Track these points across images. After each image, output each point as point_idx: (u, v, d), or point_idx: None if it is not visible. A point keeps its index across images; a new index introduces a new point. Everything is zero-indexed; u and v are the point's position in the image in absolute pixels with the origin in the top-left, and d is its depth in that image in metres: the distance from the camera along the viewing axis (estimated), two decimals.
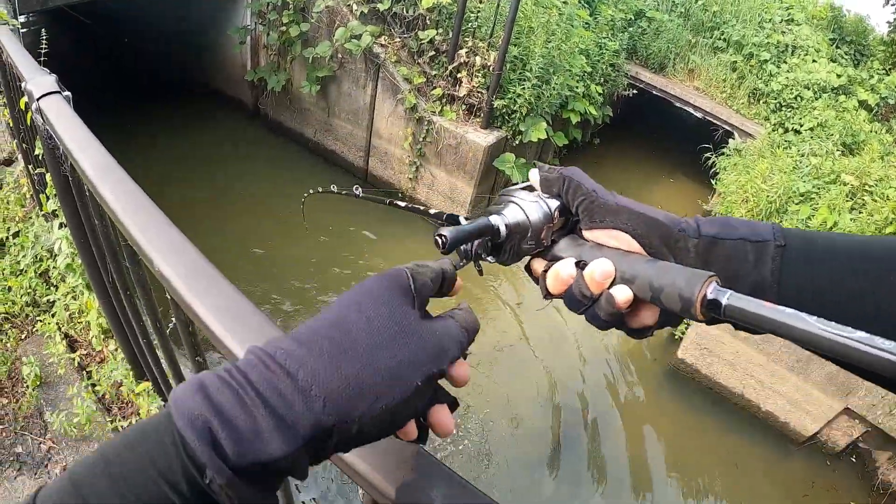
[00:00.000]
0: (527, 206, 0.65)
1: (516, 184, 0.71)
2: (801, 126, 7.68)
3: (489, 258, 0.69)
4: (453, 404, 0.54)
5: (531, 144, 6.84)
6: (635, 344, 6.40)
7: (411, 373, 0.46)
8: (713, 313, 0.50)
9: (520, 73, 6.74)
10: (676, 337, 6.45)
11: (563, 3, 7.22)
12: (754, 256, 0.56)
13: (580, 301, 0.59)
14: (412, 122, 6.89)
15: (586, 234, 0.64)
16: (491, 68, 6.60)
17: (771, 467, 6.09)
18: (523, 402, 5.48)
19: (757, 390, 6.10)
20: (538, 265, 0.67)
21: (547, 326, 6.22)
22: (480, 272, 0.73)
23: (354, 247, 6.70)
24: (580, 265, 0.61)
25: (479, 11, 7.05)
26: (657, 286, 0.54)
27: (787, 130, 7.75)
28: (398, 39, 7.31)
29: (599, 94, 7.49)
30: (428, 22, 7.19)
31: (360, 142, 7.49)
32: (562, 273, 0.61)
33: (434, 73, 7.01)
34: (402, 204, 0.79)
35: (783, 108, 8.02)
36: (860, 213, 6.52)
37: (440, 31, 7.05)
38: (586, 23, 7.99)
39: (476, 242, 0.67)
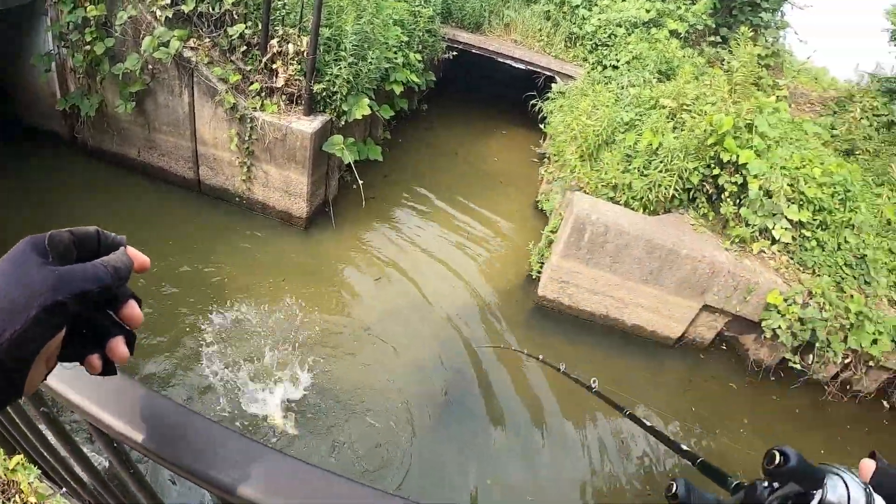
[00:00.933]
0: (852, 486, 0.67)
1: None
2: (619, 61, 8.18)
3: None
4: (129, 336, 0.65)
5: (358, 122, 6.77)
6: (496, 295, 6.53)
7: (26, 303, 0.55)
8: None
9: (335, 54, 6.62)
10: (534, 276, 6.66)
11: None
12: None
13: None
14: (235, 123, 6.58)
15: None
16: (305, 54, 6.44)
17: (650, 374, 6.52)
18: (402, 367, 5.42)
19: (620, 308, 6.47)
20: None
21: (409, 295, 6.18)
22: None
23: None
24: None
25: None
26: None
27: (605, 67, 8.22)
28: (208, 40, 6.92)
29: (420, 62, 7.55)
30: (235, 16, 6.87)
31: (185, 152, 7.04)
32: None
33: (249, 68, 6.71)
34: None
35: (599, 48, 8.49)
36: (682, 130, 7.03)
37: (249, 24, 6.75)
38: None
39: (779, 495, 0.69)
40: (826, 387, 7.57)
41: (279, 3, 6.72)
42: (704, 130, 6.77)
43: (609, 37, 8.51)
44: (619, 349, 6.54)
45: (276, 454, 0.77)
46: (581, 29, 8.66)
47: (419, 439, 4.81)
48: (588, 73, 8.13)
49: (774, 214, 6.95)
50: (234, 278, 5.78)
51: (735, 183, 6.77)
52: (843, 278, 7.25)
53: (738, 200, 6.87)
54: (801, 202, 7.20)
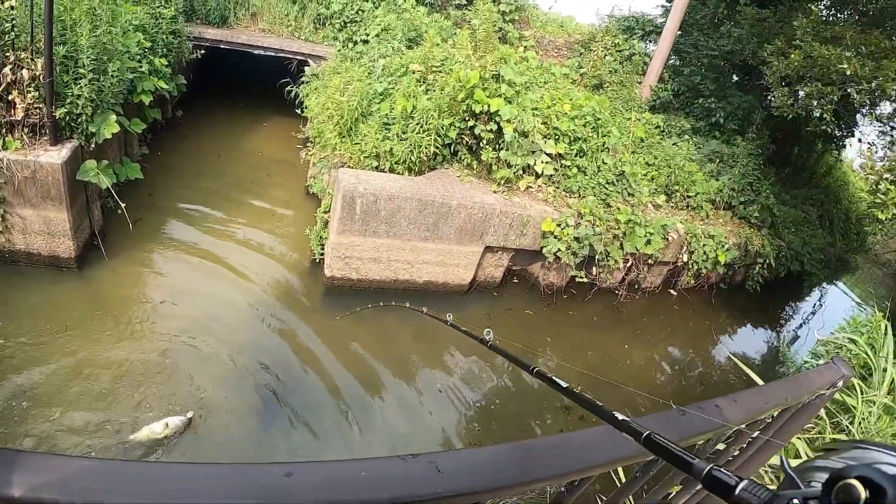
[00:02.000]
0: None
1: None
2: (368, 35, 8.44)
3: None
4: None
5: (110, 142, 6.47)
6: (285, 287, 6.53)
7: None
8: None
9: (74, 72, 6.26)
10: (318, 260, 6.81)
11: None
12: None
13: None
14: None
15: None
16: (42, 77, 6.00)
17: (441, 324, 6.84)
18: (210, 381, 5.23)
19: (408, 269, 6.78)
20: None
21: (198, 309, 6.01)
22: None
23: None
24: None
25: (13, 20, 6.32)
26: None
27: (356, 43, 8.45)
28: None
29: (167, 66, 7.30)
30: None
31: None
32: None
33: None
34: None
35: (348, 25, 8.69)
36: (433, 91, 7.45)
37: None
38: None
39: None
40: (616, 292, 8.51)
41: (7, 25, 6.18)
42: (454, 87, 7.21)
43: (357, 13, 8.73)
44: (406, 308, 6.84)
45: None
46: (328, 9, 8.78)
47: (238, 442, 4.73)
48: (339, 51, 8.32)
49: (534, 152, 7.61)
50: (15, 351, 5.21)
51: (490, 130, 7.29)
52: (608, 195, 8.12)
53: (497, 146, 7.41)
54: (557, 136, 7.95)
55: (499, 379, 6.31)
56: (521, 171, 7.54)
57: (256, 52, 8.72)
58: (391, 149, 6.78)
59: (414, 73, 7.55)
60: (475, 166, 7.43)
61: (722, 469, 0.67)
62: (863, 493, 0.49)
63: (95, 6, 6.46)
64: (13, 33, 6.13)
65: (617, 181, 8.33)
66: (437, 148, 7.06)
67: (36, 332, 5.27)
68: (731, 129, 10.77)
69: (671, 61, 11.57)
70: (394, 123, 6.95)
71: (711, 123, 10.71)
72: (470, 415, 5.76)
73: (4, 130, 6.14)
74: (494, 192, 7.18)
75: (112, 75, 6.37)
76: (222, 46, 8.70)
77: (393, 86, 7.35)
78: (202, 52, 8.24)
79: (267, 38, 8.73)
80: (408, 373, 5.97)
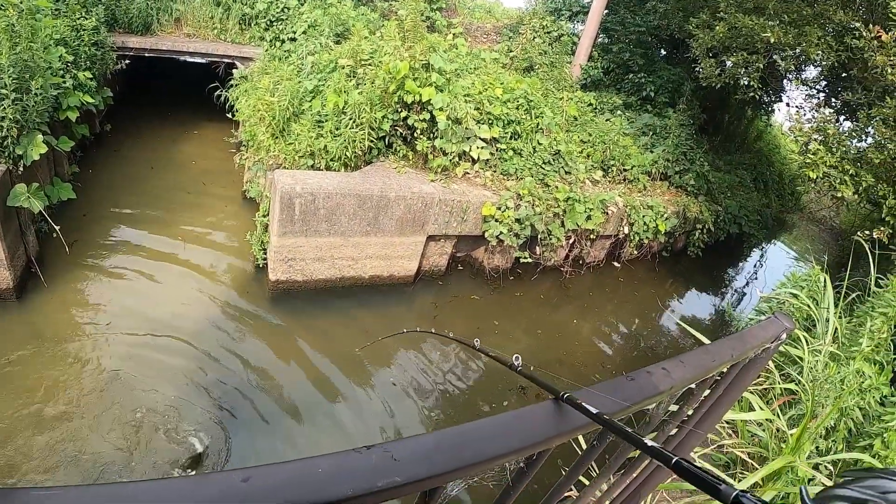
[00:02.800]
0: None
1: None
2: (295, 32, 8.37)
3: None
4: None
5: (38, 163, 6.29)
6: (230, 296, 6.47)
7: None
8: None
9: None
10: (261, 265, 6.79)
11: None
12: None
13: None
14: None
15: None
16: None
17: (399, 315, 6.95)
18: (162, 398, 5.17)
19: (352, 265, 6.83)
20: None
21: (143, 331, 5.89)
22: None
23: None
24: None
25: None
26: None
27: (283, 42, 8.38)
28: None
29: (91, 80, 7.11)
30: None
31: None
32: None
33: None
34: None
35: (275, 23, 8.61)
36: (364, 85, 7.47)
37: None
38: (56, 10, 7.42)
39: None
40: (562, 269, 8.73)
41: None
42: (384, 79, 7.25)
43: (282, 10, 8.65)
44: (364, 303, 6.89)
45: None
46: (252, 9, 8.68)
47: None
48: (267, 51, 8.25)
49: (468, 138, 7.72)
50: None
51: (424, 120, 7.36)
52: (545, 175, 8.30)
53: (431, 135, 7.49)
54: (491, 121, 8.08)
55: (450, 367, 6.42)
56: (457, 158, 7.64)
57: (182, 58, 8.54)
58: (325, 146, 6.79)
59: (343, 68, 7.55)
60: (411, 157, 7.50)
61: (749, 495, 0.71)
62: None
63: (14, 23, 6.23)
64: None
65: (553, 160, 8.51)
66: (372, 142, 7.10)
67: None
68: (662, 102, 11.11)
69: (600, 40, 11.83)
70: (326, 120, 6.95)
71: (642, 98, 11.02)
72: (427, 404, 5.85)
73: None
74: (432, 181, 7.27)
75: (36, 93, 6.17)
76: (147, 55, 8.49)
77: (323, 82, 7.34)
78: (127, 62, 8.03)
79: (192, 42, 8.57)
80: (359, 371, 6.01)
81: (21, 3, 6.56)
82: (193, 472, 4.56)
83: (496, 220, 7.45)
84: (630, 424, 1.32)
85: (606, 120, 10.20)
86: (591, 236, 8.70)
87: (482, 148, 7.76)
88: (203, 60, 8.65)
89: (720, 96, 11.78)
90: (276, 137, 6.87)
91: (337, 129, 6.92)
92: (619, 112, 10.56)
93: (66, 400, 4.98)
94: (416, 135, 7.41)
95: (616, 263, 9.61)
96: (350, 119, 6.94)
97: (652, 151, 9.98)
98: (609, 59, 11.34)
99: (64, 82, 6.86)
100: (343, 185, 6.48)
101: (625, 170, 9.61)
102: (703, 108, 11.42)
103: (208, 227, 7.44)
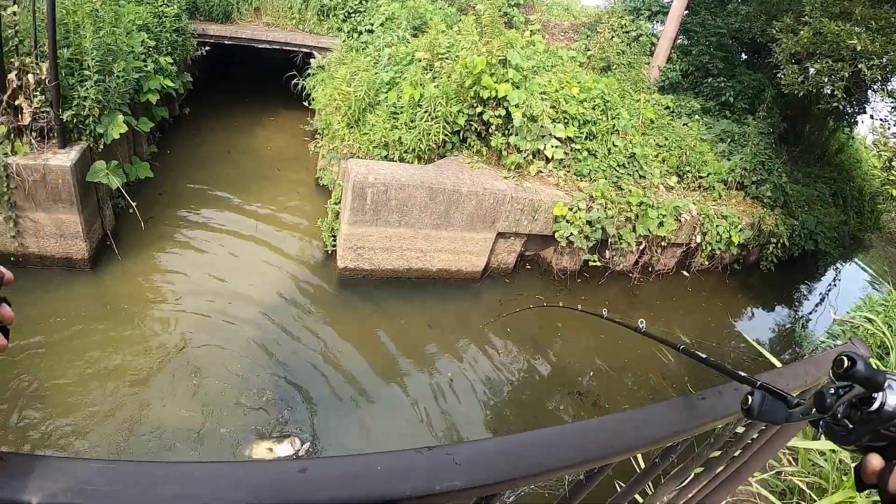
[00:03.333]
0: None
1: None
2: (373, 25, 8.39)
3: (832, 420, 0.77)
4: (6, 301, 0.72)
5: (119, 143, 6.49)
6: (298, 280, 6.51)
7: None
8: None
9: (79, 75, 6.28)
10: (330, 251, 6.81)
11: None
12: None
13: None
14: None
15: None
16: (47, 81, 6.02)
17: (465, 310, 6.88)
18: (225, 376, 5.22)
19: (421, 257, 6.77)
20: (876, 461, 0.73)
21: (212, 308, 5.99)
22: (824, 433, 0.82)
23: None
24: None
25: (16, 25, 6.34)
26: None
27: (361, 33, 8.41)
28: None
29: (172, 65, 7.30)
30: None
31: None
32: None
33: None
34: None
35: (352, 15, 8.66)
36: (440, 79, 7.41)
37: None
38: None
39: (845, 399, 0.76)
40: (630, 275, 8.46)
41: (10, 31, 6.19)
42: (461, 74, 7.17)
43: (360, 2, 8.70)
44: (431, 296, 6.84)
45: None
46: (331, 0, 8.78)
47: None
48: (344, 41, 8.29)
49: (543, 136, 7.55)
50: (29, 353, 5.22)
51: (499, 116, 7.24)
52: (619, 177, 8.05)
53: (506, 131, 7.36)
54: (566, 120, 7.89)
55: (510, 367, 6.30)
56: (531, 156, 7.49)
57: (261, 46, 8.70)
58: (400, 138, 6.75)
59: (420, 60, 7.50)
60: (485, 153, 7.39)
61: None
62: (846, 362, 0.74)
63: (98, 8, 6.45)
64: (17, 39, 6.14)
65: (628, 163, 8.26)
66: (447, 135, 7.02)
67: (48, 333, 5.30)
68: (742, 108, 10.65)
69: (679, 41, 11.43)
70: (402, 112, 6.92)
71: (721, 103, 10.59)
72: (483, 402, 5.75)
73: (13, 135, 6.16)
74: (505, 177, 7.14)
75: (117, 76, 6.37)
76: (227, 42, 8.69)
77: (399, 74, 7.32)
78: (206, 48, 8.22)
79: (271, 31, 8.72)
80: (421, 361, 5.96)
81: None
82: (255, 455, 4.58)
83: (567, 221, 7.27)
84: (694, 444, 1.36)
85: (684, 124, 9.85)
86: (663, 243, 8.40)
87: (557, 147, 7.59)
88: (281, 49, 8.78)
89: (802, 105, 11.20)
90: (352, 127, 6.88)
91: (412, 121, 6.87)
92: (696, 117, 10.18)
93: (135, 368, 5.09)
94: (491, 130, 7.30)
95: (685, 273, 9.26)
96: (425, 112, 6.88)
97: (729, 159, 9.57)
98: (688, 61, 10.95)
99: (145, 66, 7.06)
100: (416, 177, 6.43)
101: (700, 177, 9.25)
102: (783, 117, 10.88)
103: (280, 211, 7.55)
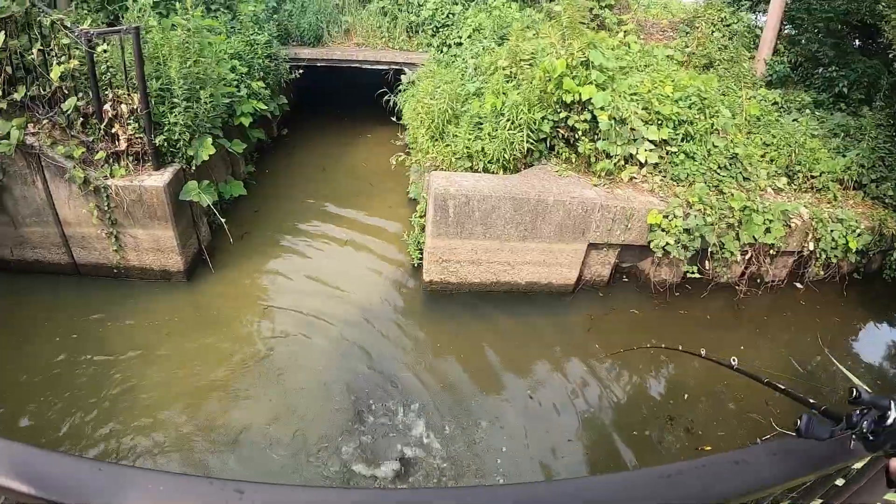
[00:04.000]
0: None
1: None
2: (461, 37, 8.35)
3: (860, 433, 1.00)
4: None
5: (213, 163, 6.79)
6: (387, 295, 6.57)
7: None
8: None
9: (169, 103, 6.67)
10: (416, 265, 6.73)
11: (187, 20, 7.19)
12: None
13: None
14: (91, 196, 6.52)
15: None
16: (139, 110, 6.46)
17: (555, 325, 6.59)
18: (314, 387, 5.35)
19: (508, 270, 6.57)
20: None
21: (302, 321, 6.12)
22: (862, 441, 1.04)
23: None
24: None
25: (107, 61, 6.86)
26: None
27: (450, 46, 8.39)
28: (46, 121, 6.89)
29: (265, 88, 7.57)
30: (66, 91, 6.86)
31: (55, 239, 6.94)
32: None
33: (91, 138, 6.69)
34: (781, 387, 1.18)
35: (441, 29, 8.66)
36: (523, 86, 7.19)
37: (80, 95, 6.76)
38: (232, 28, 8.02)
39: (867, 417, 0.97)
40: (736, 287, 7.79)
41: (103, 66, 6.72)
42: (541, 79, 6.93)
43: (447, 17, 8.68)
44: (520, 310, 6.61)
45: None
46: (418, 16, 8.81)
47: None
48: (433, 56, 8.29)
49: (635, 140, 7.14)
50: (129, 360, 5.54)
51: (585, 120, 6.92)
52: (720, 181, 7.47)
53: (594, 136, 7.03)
54: (660, 121, 7.41)
55: (591, 390, 5.91)
56: (622, 162, 7.10)
57: (353, 66, 8.96)
58: (483, 148, 6.60)
59: (503, 69, 7.32)
60: (574, 160, 7.09)
61: None
62: (854, 393, 0.99)
63: (185, 41, 6.82)
64: (110, 73, 6.65)
65: (730, 165, 7.65)
66: (532, 143, 6.79)
67: (144, 341, 5.61)
68: (857, 99, 9.65)
69: (785, 30, 10.56)
70: (484, 122, 6.76)
71: (835, 94, 9.64)
72: (582, 420, 5.45)
73: (111, 160, 6.70)
74: (595, 185, 6.81)
75: (205, 102, 6.71)
76: (319, 64, 9.02)
77: (485, 84, 7.18)
78: (300, 71, 8.55)
79: (362, 51, 8.95)
80: (518, 376, 5.82)
81: (188, 23, 7.20)
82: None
83: (663, 230, 6.80)
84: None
85: (793, 120, 9.03)
86: (771, 252, 7.68)
87: (650, 151, 7.15)
88: (372, 67, 8.97)
89: None
90: (435, 139, 6.82)
91: (495, 130, 6.70)
92: (807, 111, 9.32)
93: (225, 373, 5.27)
94: (577, 136, 6.98)
95: (799, 284, 8.43)
96: (507, 120, 6.69)
97: (844, 156, 8.65)
98: (796, 51, 10.07)
99: (238, 91, 7.36)
100: (498, 187, 6.25)
101: (812, 177, 8.42)
102: None
103: (373, 226, 7.70)
